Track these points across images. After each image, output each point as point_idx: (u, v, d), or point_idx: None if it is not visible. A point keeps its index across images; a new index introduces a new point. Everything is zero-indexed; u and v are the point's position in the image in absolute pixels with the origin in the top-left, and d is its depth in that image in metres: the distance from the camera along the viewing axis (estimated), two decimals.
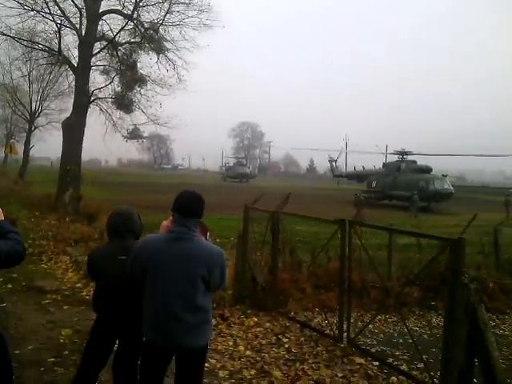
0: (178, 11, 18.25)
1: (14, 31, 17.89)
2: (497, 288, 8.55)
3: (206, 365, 4.82)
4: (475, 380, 4.46)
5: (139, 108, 19.47)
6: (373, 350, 6.07)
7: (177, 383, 3.32)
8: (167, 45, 18.85)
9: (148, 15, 18.54)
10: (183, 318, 3.11)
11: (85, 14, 17.48)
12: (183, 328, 3.12)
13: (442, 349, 4.49)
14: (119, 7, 18.15)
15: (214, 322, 6.23)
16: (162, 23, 18.29)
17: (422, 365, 5.22)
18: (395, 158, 42.02)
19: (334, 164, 54.06)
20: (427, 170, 37.49)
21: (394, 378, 5.12)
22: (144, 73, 19.21)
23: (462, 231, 7.72)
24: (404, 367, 5.47)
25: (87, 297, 7.40)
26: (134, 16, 17.86)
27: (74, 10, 17.75)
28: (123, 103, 19.27)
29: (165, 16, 18.10)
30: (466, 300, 4.04)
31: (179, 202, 3.25)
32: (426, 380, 4.95)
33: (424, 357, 5.27)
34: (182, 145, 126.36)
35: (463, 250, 4.35)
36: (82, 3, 17.45)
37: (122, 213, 3.74)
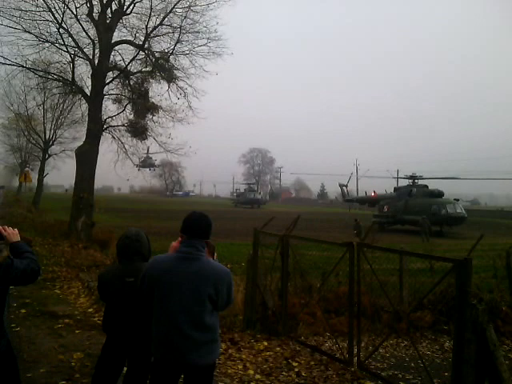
0: (188, 41, 18.83)
1: (29, 62, 18.56)
2: (510, 312, 8.42)
3: None
4: None
5: (151, 135, 19.91)
6: (383, 373, 6.01)
7: None
8: (177, 73, 19.37)
9: (159, 45, 19.19)
10: (191, 336, 3.17)
11: (98, 45, 18.12)
12: (190, 345, 3.18)
13: (452, 369, 4.47)
14: (131, 38, 18.83)
15: (223, 346, 6.25)
16: (172, 53, 18.84)
17: None
18: (406, 182, 41.92)
19: (344, 189, 53.94)
20: (439, 194, 37.28)
21: None
22: (155, 101, 19.70)
23: (469, 252, 7.66)
24: None
25: (99, 321, 7.45)
26: (146, 46, 18.46)
27: (88, 40, 18.49)
28: (137, 131, 19.71)
29: (175, 46, 18.69)
30: (475, 319, 4.04)
31: (187, 222, 3.35)
32: None
33: (435, 380, 5.23)
34: (194, 171, 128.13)
35: (470, 269, 4.37)
36: (95, 34, 18.11)
37: (131, 235, 3.83)
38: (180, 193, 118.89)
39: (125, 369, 3.80)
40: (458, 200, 36.82)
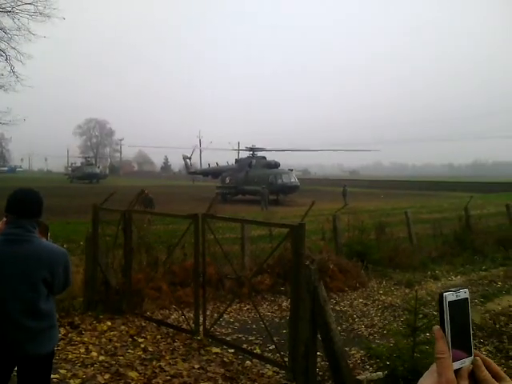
0: None
1: None
2: (336, 269, 9.47)
3: (56, 376, 4.51)
4: (319, 353, 4.92)
5: None
6: (228, 338, 6.28)
7: None
8: None
9: None
10: (25, 325, 2.89)
11: None
12: (25, 335, 2.90)
13: (289, 327, 4.85)
14: None
15: (62, 330, 5.83)
16: None
17: (274, 346, 5.56)
18: (247, 154, 43.74)
19: (188, 161, 54.15)
20: (275, 165, 39.75)
21: (248, 362, 5.37)
22: None
23: (302, 217, 8.35)
24: (257, 350, 5.78)
25: None
26: None
27: None
28: None
29: None
30: (308, 279, 4.41)
31: (13, 200, 2.99)
32: (277, 359, 5.29)
33: (275, 338, 5.62)
34: (21, 144, 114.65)
35: (303, 233, 4.74)
36: None
37: None
38: (4, 168, 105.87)
39: None
40: (291, 170, 39.75)
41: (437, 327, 0.78)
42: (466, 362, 0.77)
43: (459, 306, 0.78)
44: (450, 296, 0.77)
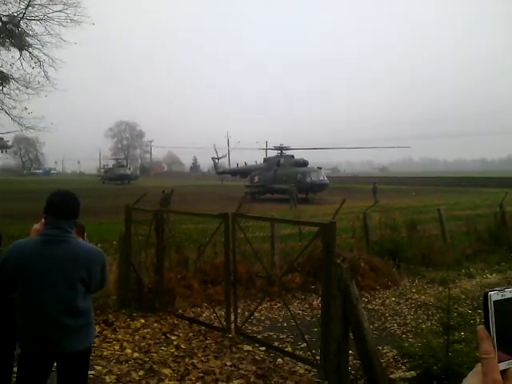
0: (41, 4, 17.00)
1: None
2: (368, 267, 9.37)
3: (92, 372, 4.62)
4: (351, 351, 4.89)
5: (2, 109, 17.79)
6: (259, 336, 6.31)
7: None
8: (30, 40, 17.46)
9: (6, 7, 17.00)
10: (62, 322, 2.97)
11: None
12: (63, 333, 2.98)
13: (321, 325, 4.83)
14: None
15: (98, 328, 5.97)
16: (22, 17, 16.86)
17: (305, 344, 5.55)
18: (275, 153, 43.70)
19: (216, 161, 54.57)
20: (304, 163, 39.59)
21: (279, 360, 5.39)
22: (5, 71, 17.58)
23: (333, 215, 8.30)
24: (288, 348, 5.79)
25: None
26: None
27: None
28: None
29: (26, 9, 16.74)
30: (339, 277, 4.39)
31: (52, 202, 3.08)
32: (309, 357, 5.28)
33: (306, 336, 5.61)
34: (54, 148, 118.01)
35: (334, 231, 4.72)
36: None
37: None
38: (39, 171, 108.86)
39: None
40: (320, 168, 39.49)
41: (481, 327, 0.76)
42: None
43: (505, 306, 0.76)
44: (495, 295, 0.75)
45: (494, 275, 10.07)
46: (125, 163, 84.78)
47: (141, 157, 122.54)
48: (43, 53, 17.58)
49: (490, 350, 0.74)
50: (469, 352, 4.34)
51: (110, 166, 79.12)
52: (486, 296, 0.76)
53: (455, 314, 4.57)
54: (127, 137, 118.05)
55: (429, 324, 6.53)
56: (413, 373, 4.71)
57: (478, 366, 0.75)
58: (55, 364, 3.13)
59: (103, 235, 13.13)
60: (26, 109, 17.72)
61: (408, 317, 7.34)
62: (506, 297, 0.77)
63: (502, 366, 0.75)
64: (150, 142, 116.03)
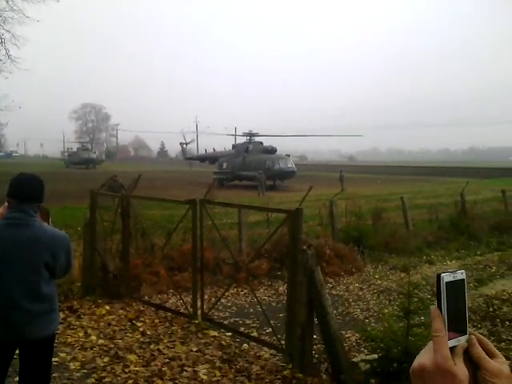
0: None
1: None
2: (333, 254, 9.55)
3: (56, 359, 4.56)
4: (315, 336, 5.00)
5: None
6: (226, 322, 6.36)
7: (22, 379, 3.09)
8: None
9: None
10: (26, 308, 2.94)
11: None
12: (26, 318, 2.95)
13: (286, 310, 4.91)
14: None
15: (62, 315, 5.88)
16: None
17: (271, 329, 5.64)
18: (244, 139, 43.59)
19: (184, 147, 54.00)
20: (272, 150, 39.70)
21: (245, 345, 5.45)
22: None
23: (299, 202, 8.39)
24: (254, 334, 5.87)
25: None
26: None
27: None
28: None
29: None
30: (305, 264, 4.47)
31: (15, 185, 3.03)
32: (274, 342, 5.37)
33: (272, 322, 5.69)
34: (16, 129, 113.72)
35: (301, 218, 4.78)
36: None
37: None
38: (0, 154, 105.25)
39: None
40: (288, 155, 39.72)
41: (434, 306, 0.80)
42: (461, 340, 0.80)
43: (456, 287, 0.80)
44: (447, 277, 0.79)
45: (454, 262, 10.45)
46: (90, 147, 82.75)
47: (106, 141, 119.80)
48: (5, 29, 16.93)
49: (440, 328, 0.78)
50: (427, 335, 4.50)
51: (75, 149, 77.09)
52: (438, 277, 0.79)
53: (415, 299, 4.72)
54: (92, 119, 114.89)
55: (390, 309, 6.72)
56: (374, 356, 4.86)
57: (430, 343, 0.80)
58: (17, 352, 3.08)
59: (67, 221, 12.85)
60: None
61: (371, 302, 7.54)
62: (457, 278, 0.80)
63: (452, 343, 0.78)
64: (117, 125, 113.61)
